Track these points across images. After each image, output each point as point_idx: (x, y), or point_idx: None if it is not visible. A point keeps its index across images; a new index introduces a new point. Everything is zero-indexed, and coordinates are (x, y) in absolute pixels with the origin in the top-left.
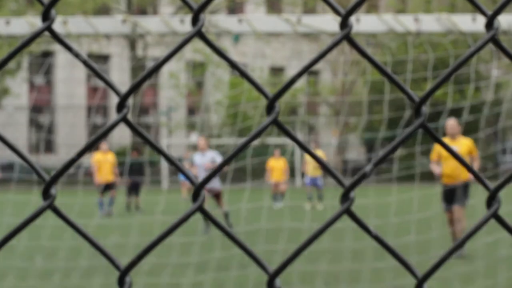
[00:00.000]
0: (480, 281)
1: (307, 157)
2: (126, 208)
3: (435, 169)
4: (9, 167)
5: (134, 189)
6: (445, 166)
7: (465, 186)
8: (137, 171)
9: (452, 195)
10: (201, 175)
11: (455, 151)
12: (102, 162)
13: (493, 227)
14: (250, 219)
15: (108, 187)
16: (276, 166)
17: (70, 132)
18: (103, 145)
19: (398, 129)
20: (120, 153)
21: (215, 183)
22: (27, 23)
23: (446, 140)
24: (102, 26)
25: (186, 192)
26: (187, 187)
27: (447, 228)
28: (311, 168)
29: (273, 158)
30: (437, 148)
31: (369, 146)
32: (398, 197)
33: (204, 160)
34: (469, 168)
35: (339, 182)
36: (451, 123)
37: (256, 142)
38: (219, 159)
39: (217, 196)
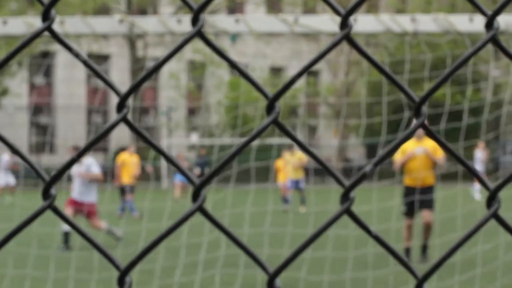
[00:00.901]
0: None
1: (286, 159)
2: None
3: (397, 162)
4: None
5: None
6: (409, 166)
7: (431, 191)
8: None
9: (419, 201)
10: (75, 186)
11: (455, 152)
12: (128, 164)
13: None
14: (254, 221)
15: (129, 189)
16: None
17: (70, 132)
18: (130, 147)
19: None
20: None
21: (88, 196)
22: (24, 23)
23: (411, 141)
24: (99, 26)
25: (179, 193)
26: (181, 188)
27: (404, 231)
28: (292, 170)
29: (282, 159)
30: (402, 148)
31: (370, 147)
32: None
33: (80, 169)
34: (468, 168)
35: (339, 182)
36: None
37: (256, 142)
38: (95, 168)
39: (89, 213)
